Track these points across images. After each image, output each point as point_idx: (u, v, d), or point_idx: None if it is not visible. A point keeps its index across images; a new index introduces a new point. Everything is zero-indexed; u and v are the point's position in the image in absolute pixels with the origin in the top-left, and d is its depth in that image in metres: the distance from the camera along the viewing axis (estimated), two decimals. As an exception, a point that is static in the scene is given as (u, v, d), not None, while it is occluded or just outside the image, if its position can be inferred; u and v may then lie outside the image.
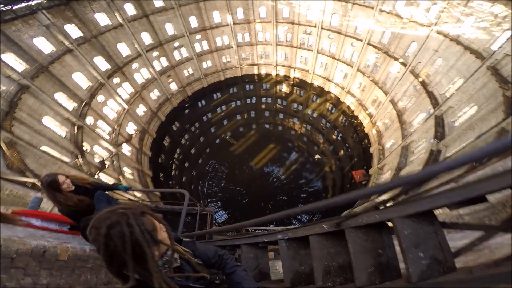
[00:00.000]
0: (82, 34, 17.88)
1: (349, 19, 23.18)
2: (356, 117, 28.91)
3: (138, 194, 21.26)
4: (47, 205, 6.17)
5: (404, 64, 20.68)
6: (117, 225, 1.19)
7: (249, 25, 28.23)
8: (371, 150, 26.62)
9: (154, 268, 1.27)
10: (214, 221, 7.10)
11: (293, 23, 26.68)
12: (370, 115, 26.68)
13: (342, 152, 33.45)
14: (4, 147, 12.04)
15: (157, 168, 28.47)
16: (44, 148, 14.71)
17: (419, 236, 1.59)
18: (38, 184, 10.66)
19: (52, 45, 15.83)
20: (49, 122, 16.00)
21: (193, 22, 26.45)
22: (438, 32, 16.89)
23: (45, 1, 14.22)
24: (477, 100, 14.59)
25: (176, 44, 26.38)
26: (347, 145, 32.44)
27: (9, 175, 10.27)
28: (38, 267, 2.31)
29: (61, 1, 15.50)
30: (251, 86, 35.65)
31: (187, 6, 24.63)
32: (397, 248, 1.83)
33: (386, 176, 21.91)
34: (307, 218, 33.74)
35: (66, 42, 16.32)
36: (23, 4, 13.13)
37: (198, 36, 27.47)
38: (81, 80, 18.66)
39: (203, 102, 34.44)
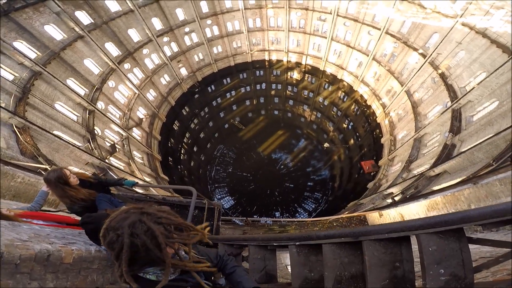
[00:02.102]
0: (92, 21, 17.74)
1: (368, 7, 22.04)
2: (369, 107, 28.15)
3: (147, 179, 21.96)
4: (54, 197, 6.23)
5: (423, 55, 19.74)
6: (139, 223, 1.19)
7: (260, 10, 27.31)
8: (382, 140, 26.13)
9: (192, 253, 1.39)
10: (220, 213, 7.05)
11: (307, 9, 25.59)
12: (383, 105, 25.95)
13: (352, 141, 33.00)
14: (17, 132, 12.41)
15: (167, 152, 28.98)
16: (57, 132, 15.04)
17: (443, 253, 1.55)
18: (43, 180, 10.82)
19: (63, 32, 15.81)
20: (62, 107, 16.33)
21: (204, 7, 25.81)
22: (464, 24, 15.94)
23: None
24: (499, 95, 13.91)
25: (187, 29, 25.91)
26: (357, 134, 31.90)
27: (22, 161, 10.61)
28: (43, 271, 2.27)
29: (70, -13, 15.28)
30: (261, 72, 34.99)
31: (198, -10, 24.00)
32: (416, 259, 1.81)
33: (396, 168, 21.64)
34: (313, 206, 34.11)
35: (77, 29, 16.26)
36: (33, -8, 13.03)
37: (208, 21, 26.88)
38: (93, 66, 18.76)
39: (213, 87, 34.23)
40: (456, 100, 16.72)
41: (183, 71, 28.96)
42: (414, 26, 19.72)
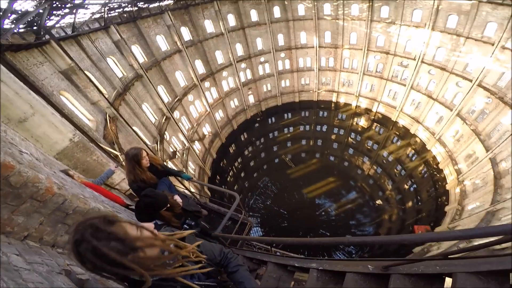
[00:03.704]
0: (191, 38, 20.73)
1: (459, 54, 20.60)
2: (440, 171, 24.97)
3: (192, 189, 22.37)
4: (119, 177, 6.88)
5: (523, 116, 17.06)
6: (83, 242, 1.08)
7: (335, 50, 27.98)
8: (447, 208, 22.71)
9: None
10: (251, 231, 7.25)
11: (387, 53, 25.20)
12: (458, 172, 22.73)
13: (410, 204, 29.18)
14: (108, 120, 14.14)
15: (217, 170, 29.78)
16: (135, 128, 16.77)
17: None
18: (121, 156, 11.77)
19: (167, 44, 18.65)
20: (147, 108, 18.40)
21: (280, 40, 27.93)
22: None
23: (172, 4, 16.83)
24: None
25: (262, 59, 28.15)
26: (418, 198, 28.25)
27: (103, 144, 11.91)
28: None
29: (182, 5, 18.22)
30: (325, 113, 34.76)
31: (278, 23, 26.39)
32: None
33: None
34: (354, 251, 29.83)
35: (179, 43, 19.08)
36: (156, 4, 15.84)
37: (282, 54, 28.73)
38: (181, 79, 21.31)
39: (273, 119, 35.19)
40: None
41: (251, 99, 30.77)
42: (516, 80, 17.47)
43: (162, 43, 18.22)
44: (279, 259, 3.15)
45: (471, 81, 20.26)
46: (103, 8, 12.37)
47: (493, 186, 18.13)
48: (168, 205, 2.99)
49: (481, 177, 20.06)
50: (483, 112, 20.34)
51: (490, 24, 18.29)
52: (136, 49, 16.36)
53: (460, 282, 1.48)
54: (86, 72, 13.11)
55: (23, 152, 2.33)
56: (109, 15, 13.43)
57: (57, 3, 9.09)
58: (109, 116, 14.56)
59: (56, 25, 10.64)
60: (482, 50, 19.08)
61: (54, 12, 9.72)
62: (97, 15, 12.76)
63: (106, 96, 14.71)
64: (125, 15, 14.25)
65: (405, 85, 25.37)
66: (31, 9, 8.56)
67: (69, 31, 11.43)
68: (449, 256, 1.65)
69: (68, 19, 11.28)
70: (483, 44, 18.81)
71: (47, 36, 9.78)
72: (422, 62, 23.01)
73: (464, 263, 1.58)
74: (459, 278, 1.50)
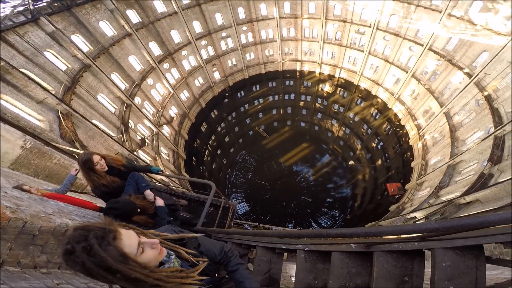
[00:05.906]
0: (140, 20, 19.09)
1: (411, 21, 21.40)
2: (402, 127, 26.85)
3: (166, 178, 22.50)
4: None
5: (469, 75, 18.56)
6: (72, 254, 1.05)
7: (295, 20, 27.61)
8: (413, 164, 24.77)
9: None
10: (235, 213, 7.02)
11: (345, 21, 25.37)
12: (418, 127, 24.63)
13: (379, 162, 31.54)
14: (61, 117, 13.38)
15: (192, 151, 29.67)
16: (95, 121, 15.98)
17: (457, 269, 1.50)
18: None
19: (114, 29, 17.16)
20: (103, 98, 17.48)
21: (241, 13, 26.78)
22: (518, 43, 14.74)
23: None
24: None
25: (224, 34, 26.91)
26: (386, 155, 30.46)
27: (61, 144, 11.42)
28: (56, 245, 2.31)
29: (124, -13, 16.56)
30: (291, 82, 34.96)
31: (237, -4, 24.96)
32: (427, 274, 1.73)
33: (424, 193, 20.45)
34: (329, 223, 32.75)
35: (127, 27, 17.57)
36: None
37: (244, 28, 27.71)
38: (135, 63, 20.01)
39: (242, 93, 34.81)
40: (500, 126, 15.41)
41: (216, 75, 29.90)
42: (461, 44, 18.77)
43: (107, 28, 16.73)
44: (266, 243, 3.18)
45: (422, 45, 21.33)
46: (26, 0, 10.98)
47: (450, 139, 20.01)
48: (139, 210, 2.85)
49: (439, 130, 21.97)
50: (435, 73, 21.75)
51: (438, -7, 18.95)
52: (77, 38, 14.95)
53: (439, 258, 1.54)
54: (21, 69, 12.03)
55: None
56: (36, 6, 11.98)
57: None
58: (61, 113, 13.74)
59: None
60: (431, 17, 19.90)
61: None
62: (21, 8, 11.35)
63: (53, 92, 13.74)
64: (56, 4, 12.75)
65: (363, 51, 26.04)
66: None
67: (-12, 29, 10.22)
68: (426, 238, 1.74)
69: (-15, 16, 10.00)
70: (432, 11, 19.60)
71: (-39, 38, 8.71)
72: (377, 29, 23.57)
73: (440, 240, 1.63)
74: (437, 253, 1.57)
